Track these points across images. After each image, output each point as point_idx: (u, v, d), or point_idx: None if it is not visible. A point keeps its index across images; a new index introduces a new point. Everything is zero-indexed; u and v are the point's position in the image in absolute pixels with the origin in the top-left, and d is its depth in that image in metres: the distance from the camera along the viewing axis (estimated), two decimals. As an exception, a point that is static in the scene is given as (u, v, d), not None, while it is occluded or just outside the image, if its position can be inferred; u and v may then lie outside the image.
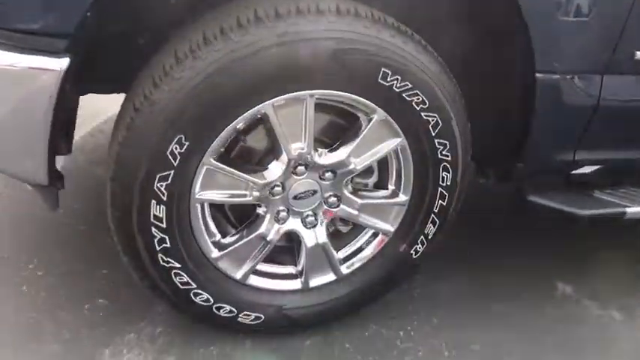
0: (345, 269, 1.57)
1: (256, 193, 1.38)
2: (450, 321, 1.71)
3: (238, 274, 1.47)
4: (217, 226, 1.47)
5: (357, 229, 1.59)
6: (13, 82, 1.13)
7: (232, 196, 1.38)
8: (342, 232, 1.61)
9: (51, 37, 1.10)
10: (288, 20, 1.20)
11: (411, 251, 1.57)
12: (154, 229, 1.30)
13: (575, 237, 2.11)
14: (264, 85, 1.23)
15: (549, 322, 1.74)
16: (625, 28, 1.38)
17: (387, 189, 1.54)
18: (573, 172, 1.63)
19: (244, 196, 1.38)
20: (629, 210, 1.61)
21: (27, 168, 1.23)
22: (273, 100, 1.26)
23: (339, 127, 1.45)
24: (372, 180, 1.56)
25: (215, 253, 1.42)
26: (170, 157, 1.23)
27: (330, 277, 1.57)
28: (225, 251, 1.43)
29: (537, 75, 1.40)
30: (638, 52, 1.42)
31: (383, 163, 1.52)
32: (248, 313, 1.50)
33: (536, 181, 1.65)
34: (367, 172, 1.54)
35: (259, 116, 1.30)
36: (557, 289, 1.88)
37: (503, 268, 1.96)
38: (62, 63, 1.12)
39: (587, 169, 1.61)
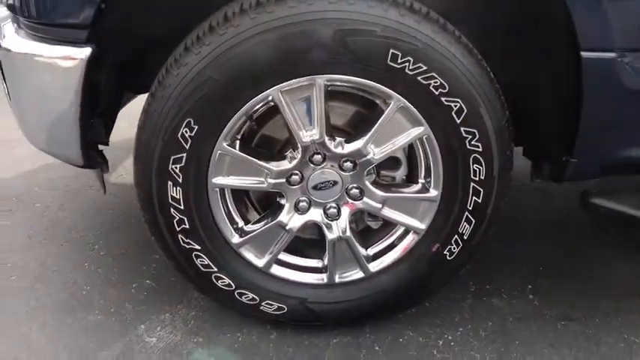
0: (373, 267, 1.50)
1: (272, 181, 1.39)
2: (502, 337, 1.54)
3: (260, 262, 1.48)
4: (245, 213, 1.50)
5: (388, 225, 1.52)
6: (44, 70, 1.28)
7: (249, 183, 1.40)
8: (373, 228, 1.55)
9: (73, 29, 1.23)
10: (288, 3, 1.20)
11: (445, 252, 1.45)
12: (172, 209, 1.37)
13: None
14: (267, 70, 1.23)
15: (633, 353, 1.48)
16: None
17: (417, 183, 1.44)
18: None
19: (261, 183, 1.40)
20: None
21: (63, 150, 1.38)
22: (280, 85, 1.26)
23: (363, 118, 1.40)
24: (399, 173, 1.48)
25: (236, 238, 1.45)
26: (181, 140, 1.29)
27: (358, 274, 1.51)
28: (246, 237, 1.45)
29: (583, 54, 1.22)
30: None
31: (412, 156, 1.44)
32: (270, 302, 1.50)
33: (602, 180, 1.43)
34: (394, 164, 1.47)
35: (272, 103, 1.31)
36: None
37: (576, 282, 1.72)
38: (85, 52, 1.24)
39: None
